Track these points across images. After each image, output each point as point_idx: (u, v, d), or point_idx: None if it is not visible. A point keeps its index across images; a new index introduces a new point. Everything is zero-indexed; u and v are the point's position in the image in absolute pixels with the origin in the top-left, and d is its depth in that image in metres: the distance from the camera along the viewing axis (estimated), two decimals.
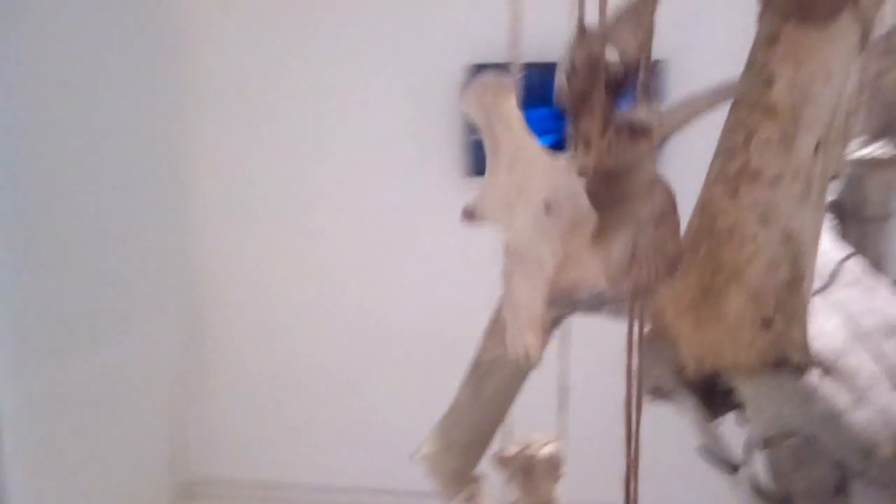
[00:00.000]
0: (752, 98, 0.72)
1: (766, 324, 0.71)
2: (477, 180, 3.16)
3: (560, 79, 0.61)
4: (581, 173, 0.59)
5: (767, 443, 0.84)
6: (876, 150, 1.07)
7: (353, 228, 3.31)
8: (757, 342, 0.71)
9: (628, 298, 0.62)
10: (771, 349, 0.70)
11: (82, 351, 2.63)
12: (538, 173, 0.60)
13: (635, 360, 0.69)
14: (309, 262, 3.35)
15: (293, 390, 3.40)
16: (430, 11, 3.14)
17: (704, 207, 0.75)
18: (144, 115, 3.02)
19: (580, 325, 0.82)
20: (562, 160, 0.61)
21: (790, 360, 0.69)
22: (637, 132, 0.58)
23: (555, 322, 0.88)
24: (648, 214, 0.60)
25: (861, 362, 0.84)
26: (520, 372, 1.05)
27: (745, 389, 0.85)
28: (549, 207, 0.59)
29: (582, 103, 0.60)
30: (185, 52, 3.27)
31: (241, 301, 3.40)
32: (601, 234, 0.59)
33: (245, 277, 3.38)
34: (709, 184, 0.75)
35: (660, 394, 0.88)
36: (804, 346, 0.70)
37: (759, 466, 0.89)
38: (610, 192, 0.60)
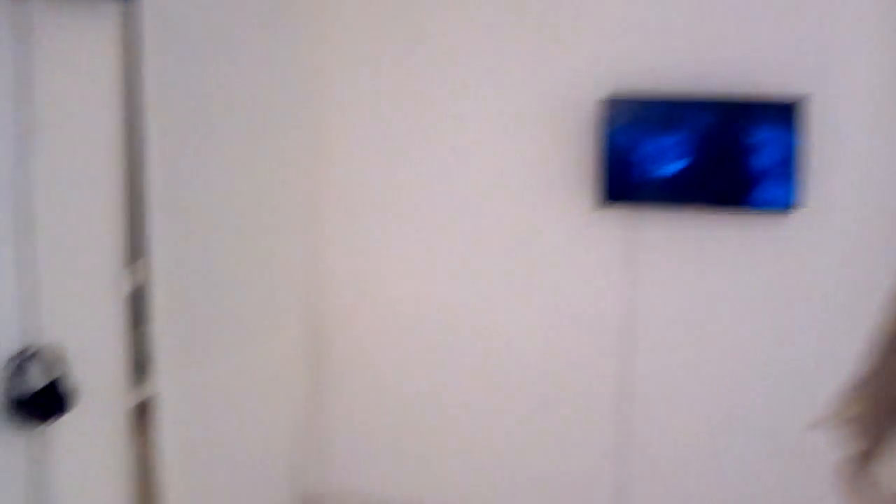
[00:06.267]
0: None
1: None
2: (606, 211, 3.00)
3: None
4: None
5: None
6: None
7: (478, 253, 3.28)
8: None
9: None
10: None
11: (211, 361, 2.68)
12: None
13: None
14: (433, 285, 3.38)
15: (413, 407, 3.41)
16: (566, 43, 3.09)
17: None
18: (280, 140, 3.09)
19: None
20: None
21: None
22: None
23: None
24: None
25: None
26: None
27: None
28: None
29: None
30: (316, 80, 3.32)
31: (363, 319, 3.44)
32: None
33: (369, 295, 3.43)
34: None
35: None
36: None
37: None
38: None
